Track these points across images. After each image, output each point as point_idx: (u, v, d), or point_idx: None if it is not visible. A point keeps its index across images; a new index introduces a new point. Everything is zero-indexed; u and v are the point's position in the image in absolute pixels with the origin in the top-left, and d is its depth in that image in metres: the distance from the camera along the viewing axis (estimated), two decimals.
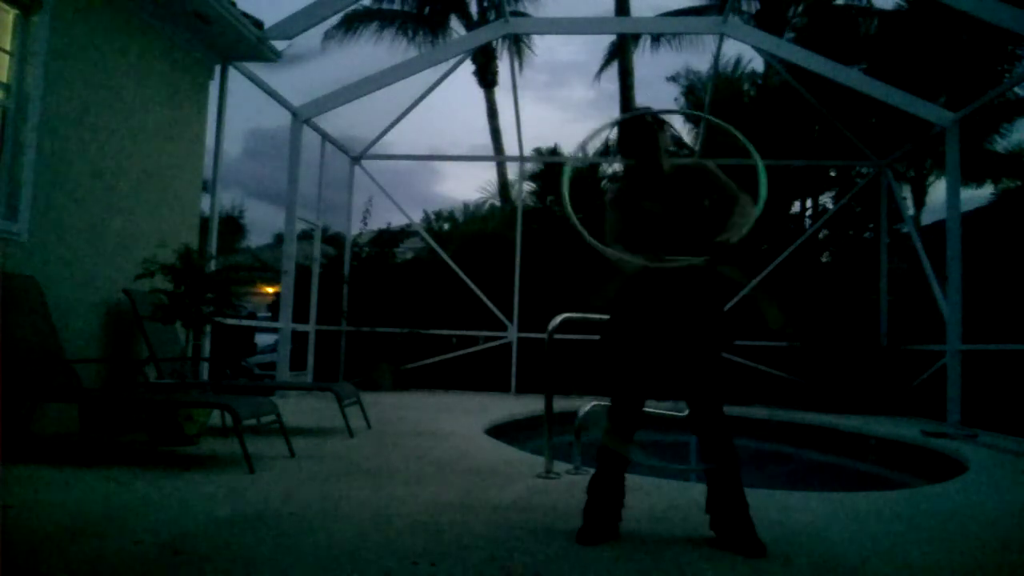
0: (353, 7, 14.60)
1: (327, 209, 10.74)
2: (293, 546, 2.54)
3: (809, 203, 14.24)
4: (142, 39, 5.82)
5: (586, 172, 12.67)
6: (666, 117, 3.02)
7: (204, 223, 7.02)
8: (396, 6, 18.05)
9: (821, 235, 12.51)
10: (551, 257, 10.71)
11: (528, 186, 13.02)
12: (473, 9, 18.27)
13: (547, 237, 11.13)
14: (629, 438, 2.87)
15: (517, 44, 17.69)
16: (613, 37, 16.60)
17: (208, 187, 7.24)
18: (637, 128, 2.93)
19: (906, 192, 14.45)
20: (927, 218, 14.89)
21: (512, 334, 10.12)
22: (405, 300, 10.28)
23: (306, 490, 3.48)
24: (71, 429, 4.76)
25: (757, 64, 15.82)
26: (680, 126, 16.77)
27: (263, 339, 13.45)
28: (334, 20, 16.61)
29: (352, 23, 17.61)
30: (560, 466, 4.23)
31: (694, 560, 2.55)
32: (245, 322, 9.22)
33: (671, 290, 2.81)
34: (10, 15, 4.68)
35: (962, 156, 7.81)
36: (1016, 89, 11.77)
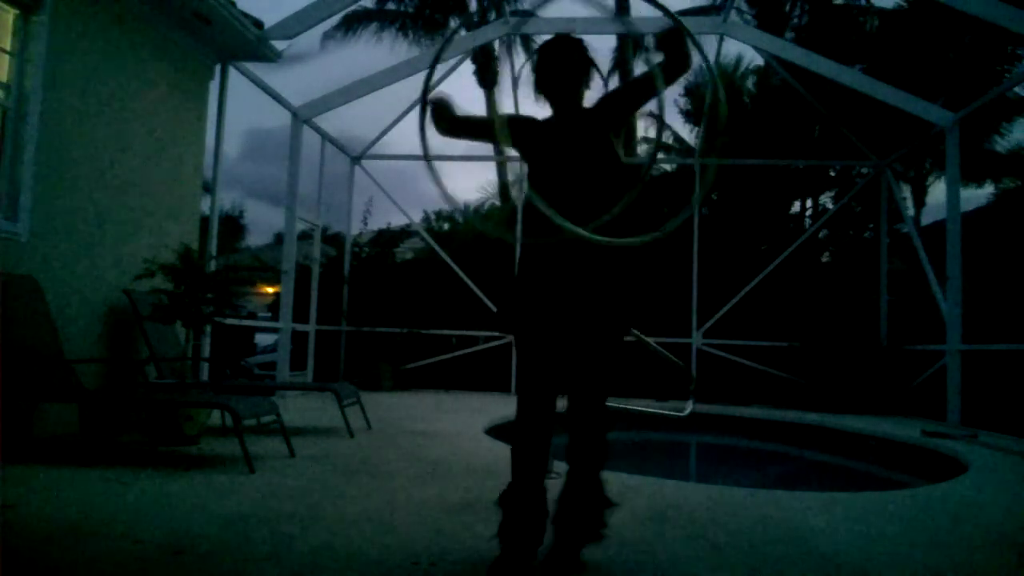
0: (353, 7, 14.59)
1: (327, 209, 10.74)
2: (293, 546, 2.54)
3: (809, 203, 14.24)
4: (142, 39, 5.82)
5: None
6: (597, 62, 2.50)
7: (204, 223, 7.02)
8: (397, 7, 18.05)
9: (821, 235, 12.51)
10: None
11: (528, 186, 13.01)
12: (473, 9, 18.27)
13: None
14: (542, 448, 2.40)
15: (526, 43, 17.68)
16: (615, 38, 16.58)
17: (208, 187, 7.25)
18: (560, 52, 2.41)
19: (906, 192, 14.46)
20: (927, 218, 14.90)
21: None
22: (405, 300, 10.28)
23: (306, 490, 3.48)
24: (71, 429, 4.76)
25: (757, 62, 15.81)
26: (680, 126, 16.78)
27: (263, 339, 13.45)
28: (334, 20, 16.62)
29: (352, 23, 17.62)
30: (560, 466, 4.21)
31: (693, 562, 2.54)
32: (245, 322, 9.22)
33: (568, 262, 2.36)
34: (10, 15, 4.68)
35: (962, 156, 7.81)
36: (1016, 89, 11.77)
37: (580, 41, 2.47)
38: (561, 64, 2.41)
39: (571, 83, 2.42)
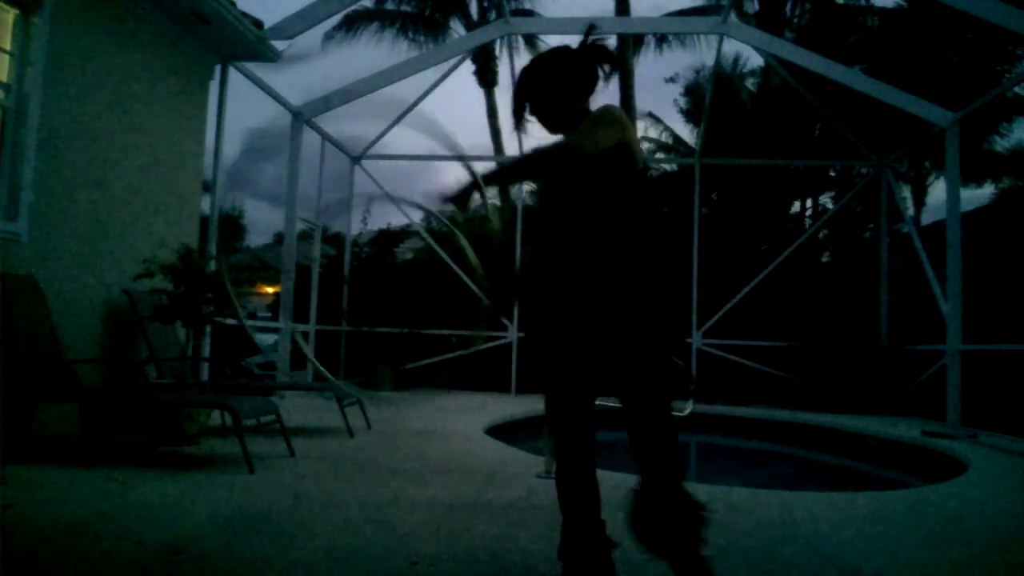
0: (353, 7, 14.60)
1: (327, 209, 10.73)
2: (293, 546, 2.54)
3: (809, 203, 14.25)
4: (142, 39, 5.82)
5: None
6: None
7: (204, 223, 7.02)
8: (397, 7, 18.05)
9: (821, 235, 12.52)
10: None
11: (528, 186, 13.01)
12: (473, 9, 18.27)
13: None
14: (589, 450, 2.16)
15: (530, 42, 17.67)
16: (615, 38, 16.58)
17: (208, 187, 7.25)
18: (530, 79, 2.21)
19: (906, 192, 14.46)
20: (927, 218, 14.91)
21: (512, 334, 10.12)
22: (405, 300, 10.28)
23: (306, 490, 3.48)
24: (71, 429, 4.76)
25: (757, 62, 15.82)
26: (680, 127, 16.78)
27: (263, 339, 13.44)
28: (334, 20, 16.61)
29: (352, 23, 17.61)
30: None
31: None
32: (245, 322, 9.21)
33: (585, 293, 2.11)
34: (10, 15, 4.68)
35: (962, 156, 7.80)
36: (1016, 89, 11.77)
37: (553, 54, 2.24)
38: (535, 91, 2.22)
39: (552, 106, 2.21)
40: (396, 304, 10.24)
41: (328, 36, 17.52)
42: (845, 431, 7.35)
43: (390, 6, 17.99)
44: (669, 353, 2.13)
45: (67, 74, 5.00)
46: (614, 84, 16.68)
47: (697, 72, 16.67)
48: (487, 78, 18.20)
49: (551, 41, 14.39)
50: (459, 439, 5.43)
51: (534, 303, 2.25)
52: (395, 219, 14.27)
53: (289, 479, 3.72)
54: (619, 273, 2.09)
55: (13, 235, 4.55)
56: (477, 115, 24.86)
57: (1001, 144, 13.95)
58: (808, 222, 13.41)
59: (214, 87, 6.90)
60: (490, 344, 10.31)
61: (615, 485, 2.34)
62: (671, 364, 2.12)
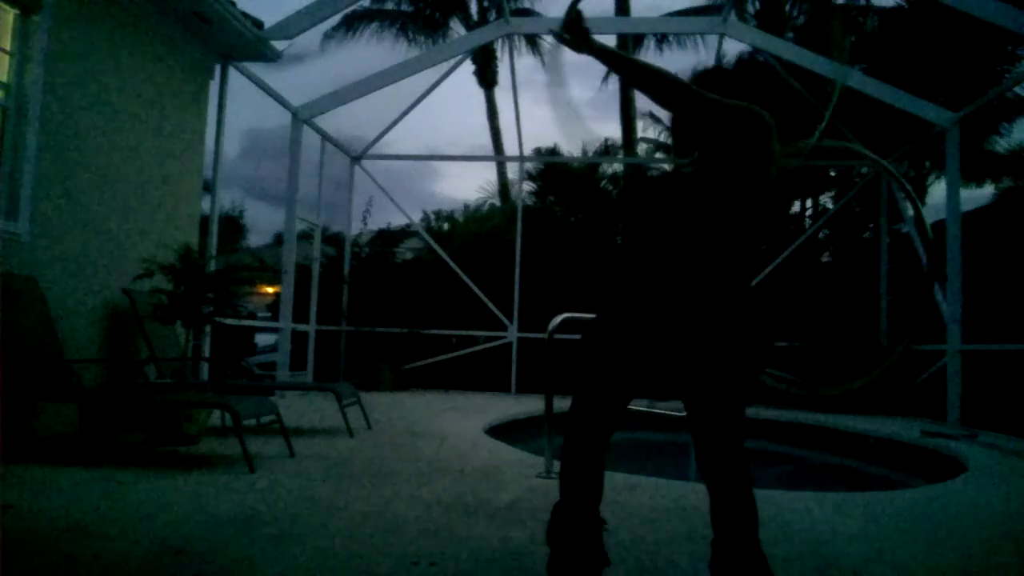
0: (353, 7, 14.60)
1: (327, 209, 10.74)
2: (293, 546, 2.54)
3: (809, 203, 14.24)
4: (142, 39, 5.82)
5: (584, 171, 12.66)
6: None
7: (204, 223, 7.03)
8: (396, 6, 18.05)
9: (821, 235, 12.50)
10: (551, 257, 10.71)
11: (528, 186, 13.02)
12: (473, 9, 18.28)
13: (547, 237, 11.13)
14: (605, 443, 2.14)
15: (532, 43, 17.67)
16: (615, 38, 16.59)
17: (208, 187, 7.25)
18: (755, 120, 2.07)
19: None
20: (927, 218, 14.89)
21: (512, 334, 10.12)
22: (405, 300, 10.28)
23: (306, 490, 3.48)
24: (71, 429, 4.76)
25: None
26: None
27: (263, 339, 13.44)
28: (334, 20, 16.61)
29: (352, 23, 17.62)
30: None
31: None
32: (245, 322, 9.21)
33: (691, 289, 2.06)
34: (10, 15, 4.68)
35: (962, 156, 7.81)
36: (1016, 89, 11.77)
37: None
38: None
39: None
40: (396, 304, 10.24)
41: (328, 36, 17.54)
42: (845, 431, 7.35)
43: (390, 6, 17.99)
44: (759, 367, 2.11)
45: (67, 74, 5.01)
46: (614, 84, 16.70)
47: (696, 72, 16.64)
48: (487, 78, 18.21)
49: (551, 41, 14.39)
50: (459, 439, 5.43)
51: (630, 286, 2.17)
52: (395, 219, 14.26)
53: (289, 479, 3.72)
54: (734, 279, 2.07)
55: (13, 235, 4.55)
56: (477, 115, 24.84)
57: (1001, 144, 13.93)
58: (808, 222, 13.41)
59: (214, 87, 6.91)
60: (490, 344, 10.31)
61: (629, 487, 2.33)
62: (757, 378, 2.11)
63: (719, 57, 10.37)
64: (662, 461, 6.63)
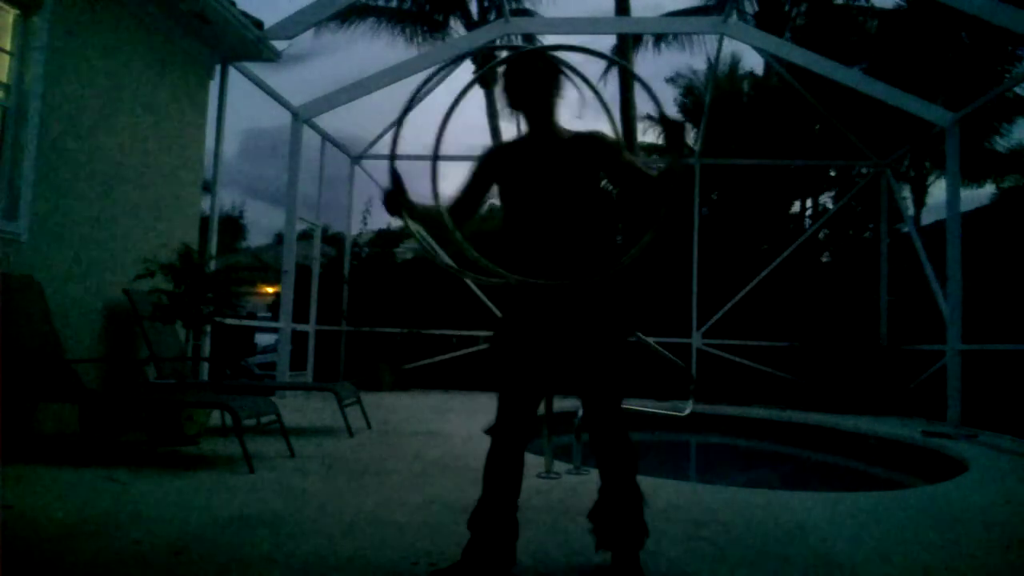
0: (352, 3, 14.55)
1: (327, 209, 10.74)
2: (293, 546, 2.54)
3: (809, 203, 14.26)
4: (142, 39, 5.82)
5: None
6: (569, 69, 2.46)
7: (204, 223, 7.03)
8: (395, 4, 17.99)
9: (821, 235, 12.51)
10: None
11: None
12: (473, 9, 18.26)
13: None
14: (521, 448, 2.42)
15: (532, 43, 17.64)
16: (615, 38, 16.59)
17: (208, 187, 7.25)
18: (525, 68, 2.38)
19: (906, 192, 14.47)
20: (927, 218, 14.91)
21: None
22: (405, 300, 10.28)
23: (306, 490, 3.48)
24: (71, 429, 4.76)
25: (757, 63, 15.83)
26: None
27: (263, 339, 13.44)
28: (328, 13, 16.50)
29: (347, 17, 17.49)
30: (560, 466, 4.23)
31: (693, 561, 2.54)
32: (245, 322, 9.22)
33: (553, 305, 2.34)
34: (10, 15, 4.68)
35: (962, 156, 7.80)
36: (1016, 89, 11.78)
37: (544, 53, 2.48)
38: (528, 78, 2.39)
39: (540, 96, 2.39)
40: (396, 304, 10.24)
41: (321, 26, 17.35)
42: (845, 431, 7.35)
43: (393, 3, 17.91)
44: (617, 354, 2.36)
45: (67, 74, 5.01)
46: (613, 85, 16.68)
47: (695, 72, 16.67)
48: (487, 78, 18.18)
49: (549, 40, 14.37)
50: (459, 439, 5.43)
51: (507, 297, 2.45)
52: (395, 219, 14.26)
53: (289, 479, 3.72)
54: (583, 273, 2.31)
55: (13, 235, 4.55)
56: (477, 115, 24.85)
57: (1001, 144, 13.94)
58: (808, 222, 13.42)
59: (214, 87, 6.91)
60: (488, 344, 10.30)
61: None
62: (622, 365, 2.36)
63: (718, 57, 10.36)
64: (662, 461, 6.63)
